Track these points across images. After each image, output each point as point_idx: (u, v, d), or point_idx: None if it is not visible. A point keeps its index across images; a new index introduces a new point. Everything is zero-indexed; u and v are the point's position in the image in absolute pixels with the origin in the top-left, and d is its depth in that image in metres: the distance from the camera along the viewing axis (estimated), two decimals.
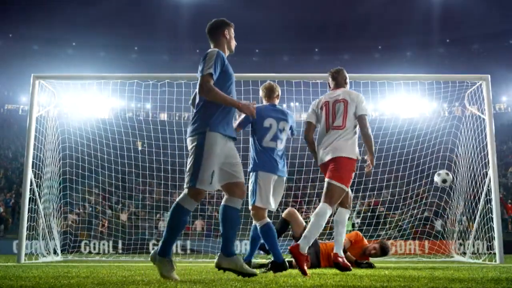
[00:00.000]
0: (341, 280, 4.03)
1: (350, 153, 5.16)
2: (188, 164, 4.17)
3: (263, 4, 38.68)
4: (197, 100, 4.32)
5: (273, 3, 38.99)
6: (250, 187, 5.30)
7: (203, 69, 4.15)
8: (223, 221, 4.21)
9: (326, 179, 5.18)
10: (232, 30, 4.55)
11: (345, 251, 6.47)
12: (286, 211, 6.70)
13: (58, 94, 9.81)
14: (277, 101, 5.72)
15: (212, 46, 4.47)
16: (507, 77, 37.55)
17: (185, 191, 4.18)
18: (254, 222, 5.34)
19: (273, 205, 5.36)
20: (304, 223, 6.84)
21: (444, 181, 8.18)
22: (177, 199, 4.20)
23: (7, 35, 42.83)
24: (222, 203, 4.28)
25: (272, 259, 5.30)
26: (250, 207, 5.31)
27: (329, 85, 5.69)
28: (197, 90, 4.29)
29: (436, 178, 8.35)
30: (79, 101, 13.68)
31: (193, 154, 4.13)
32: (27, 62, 36.61)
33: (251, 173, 5.37)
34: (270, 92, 5.68)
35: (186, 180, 4.17)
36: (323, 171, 5.35)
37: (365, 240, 7.07)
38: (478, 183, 9.48)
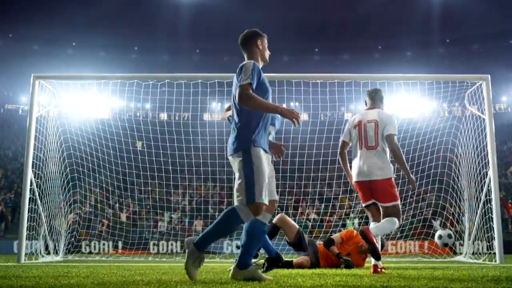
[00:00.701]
0: (341, 280, 4.03)
1: (388, 174, 5.51)
2: (238, 182, 4.05)
3: (263, 4, 38.68)
4: (235, 117, 4.23)
5: (273, 3, 38.98)
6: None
7: (241, 79, 4.10)
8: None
9: (380, 204, 5.50)
10: (266, 40, 4.56)
11: (329, 245, 6.55)
12: (276, 217, 6.75)
13: (58, 94, 9.81)
14: None
15: (245, 57, 4.46)
16: (507, 77, 37.53)
17: (245, 207, 4.03)
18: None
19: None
20: (297, 226, 6.84)
21: (449, 237, 8.17)
22: (236, 207, 4.06)
23: (7, 35, 42.81)
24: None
25: (266, 256, 5.36)
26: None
27: (365, 103, 5.92)
28: (234, 103, 4.21)
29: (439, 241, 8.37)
30: (79, 101, 13.67)
31: (243, 171, 4.04)
32: (27, 62, 36.59)
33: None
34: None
35: (240, 198, 4.03)
36: (360, 188, 5.62)
37: (359, 237, 7.05)
38: (478, 183, 9.48)
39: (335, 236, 6.75)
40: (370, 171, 5.45)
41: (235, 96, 4.15)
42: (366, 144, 5.55)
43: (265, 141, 4.25)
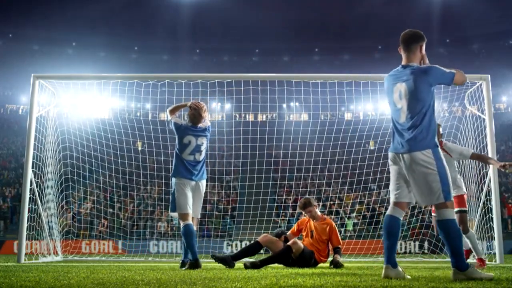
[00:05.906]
0: (342, 280, 4.03)
1: None
2: (430, 179, 4.03)
3: (263, 4, 38.66)
4: (408, 116, 4.22)
5: (273, 3, 38.98)
6: (171, 191, 6.28)
7: (445, 71, 4.30)
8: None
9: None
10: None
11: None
12: (261, 237, 6.80)
13: (58, 94, 9.80)
14: (199, 123, 6.40)
15: (404, 55, 4.49)
16: (507, 77, 37.53)
17: (443, 207, 4.04)
18: (181, 223, 6.14)
19: (190, 209, 6.17)
20: (280, 241, 6.84)
21: None
22: (446, 217, 4.04)
23: (7, 35, 42.83)
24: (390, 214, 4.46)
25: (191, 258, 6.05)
26: (169, 211, 6.35)
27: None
28: (413, 104, 4.22)
29: None
30: (79, 101, 13.66)
31: (436, 169, 4.03)
32: (27, 62, 36.63)
33: (172, 178, 6.29)
34: (194, 119, 6.40)
35: (436, 196, 4.03)
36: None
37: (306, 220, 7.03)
38: (478, 183, 9.47)
39: (288, 235, 6.89)
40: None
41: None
42: None
43: None
